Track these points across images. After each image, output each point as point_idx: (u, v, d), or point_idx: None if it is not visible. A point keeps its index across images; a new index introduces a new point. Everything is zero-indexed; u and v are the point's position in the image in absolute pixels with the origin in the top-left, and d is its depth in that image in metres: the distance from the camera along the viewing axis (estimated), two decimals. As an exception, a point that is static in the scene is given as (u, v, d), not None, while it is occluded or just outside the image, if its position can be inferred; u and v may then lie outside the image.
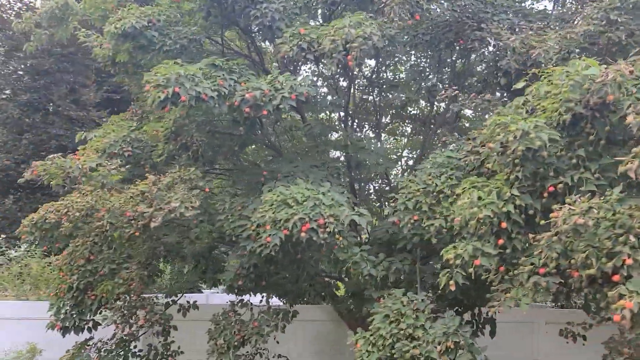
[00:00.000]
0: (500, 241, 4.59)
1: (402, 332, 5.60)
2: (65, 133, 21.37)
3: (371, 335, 5.73)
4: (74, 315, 7.92)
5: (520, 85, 5.25)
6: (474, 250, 4.57)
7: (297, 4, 7.33)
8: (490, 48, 6.49)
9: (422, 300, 5.82)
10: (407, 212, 6.09)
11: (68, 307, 7.94)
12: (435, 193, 5.98)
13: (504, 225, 4.51)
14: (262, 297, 10.67)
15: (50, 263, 13.87)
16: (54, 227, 9.15)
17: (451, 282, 4.76)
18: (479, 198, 4.70)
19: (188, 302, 8.55)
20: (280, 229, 5.85)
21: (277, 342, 7.86)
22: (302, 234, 5.71)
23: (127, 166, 6.79)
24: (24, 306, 10.84)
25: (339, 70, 6.21)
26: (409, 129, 10.06)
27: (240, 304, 7.54)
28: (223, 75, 6.49)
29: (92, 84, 22.21)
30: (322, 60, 6.50)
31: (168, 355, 8.34)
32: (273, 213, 5.92)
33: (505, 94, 6.59)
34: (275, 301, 9.81)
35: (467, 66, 7.51)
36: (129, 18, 7.29)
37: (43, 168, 6.16)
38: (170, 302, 8.39)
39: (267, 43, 8.56)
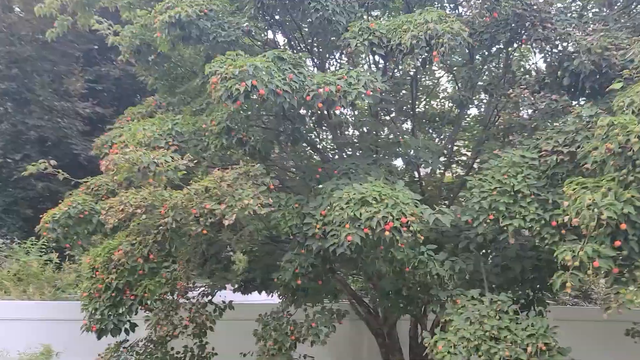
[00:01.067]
0: (618, 243, 4.58)
1: (486, 333, 5.56)
2: (46, 124, 20.54)
3: (453, 336, 5.65)
4: (112, 317, 7.57)
5: (617, 86, 5.26)
6: (592, 252, 4.55)
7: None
8: (559, 48, 6.46)
9: (504, 301, 5.78)
10: (482, 212, 6.03)
11: (104, 308, 7.57)
12: (512, 193, 5.94)
13: (623, 226, 4.50)
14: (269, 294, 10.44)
15: (50, 260, 13.32)
16: (79, 224, 8.80)
17: (567, 284, 4.72)
18: (593, 200, 4.66)
19: (224, 301, 8.31)
20: (360, 228, 5.71)
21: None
22: (386, 233, 5.59)
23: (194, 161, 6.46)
24: (35, 306, 10.36)
25: (417, 66, 6.06)
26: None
27: (292, 303, 7.35)
28: (290, 68, 6.28)
29: (79, 73, 21.39)
30: (395, 56, 6.35)
31: (203, 357, 8.09)
32: (352, 211, 5.76)
33: (567, 95, 6.57)
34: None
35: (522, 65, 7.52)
36: (182, 6, 6.98)
37: (114, 162, 5.80)
38: (207, 302, 8.13)
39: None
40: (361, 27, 6.52)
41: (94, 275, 7.84)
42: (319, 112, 6.27)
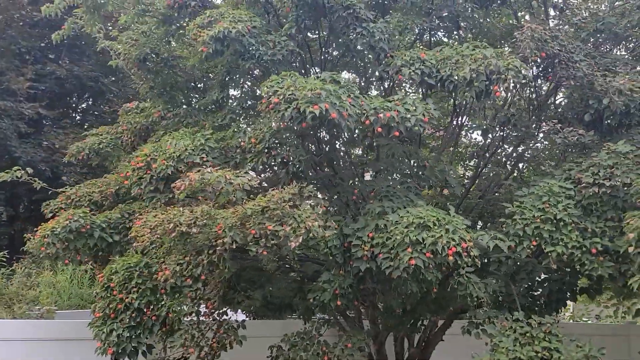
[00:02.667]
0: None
1: (538, 354, 5.88)
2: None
3: (505, 357, 5.93)
4: (131, 338, 7.21)
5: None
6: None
7: (398, 27, 7.39)
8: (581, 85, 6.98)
9: (552, 323, 6.14)
10: (525, 238, 6.39)
11: (123, 330, 7.20)
12: (555, 220, 6.35)
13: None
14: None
15: (29, 275, 12.43)
16: (79, 239, 8.34)
17: None
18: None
19: (237, 320, 8.15)
20: (422, 252, 5.87)
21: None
22: (450, 257, 5.79)
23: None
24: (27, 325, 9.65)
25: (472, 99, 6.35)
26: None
27: (325, 323, 7.36)
28: (344, 92, 6.37)
29: (25, 71, 20.09)
30: (445, 86, 6.60)
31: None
32: (414, 235, 5.92)
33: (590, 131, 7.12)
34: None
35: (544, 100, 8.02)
36: (227, 22, 6.88)
37: (189, 183, 5.56)
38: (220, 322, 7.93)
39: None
40: (412, 56, 6.73)
41: (109, 295, 7.44)
42: (370, 136, 6.38)
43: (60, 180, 21.28)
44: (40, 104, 21.64)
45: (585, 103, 7.23)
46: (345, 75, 9.01)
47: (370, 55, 7.68)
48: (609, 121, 7.05)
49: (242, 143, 7.21)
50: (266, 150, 6.99)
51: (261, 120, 7.31)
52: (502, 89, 6.07)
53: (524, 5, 8.67)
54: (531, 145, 8.32)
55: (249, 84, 9.06)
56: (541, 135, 7.80)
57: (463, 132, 9.52)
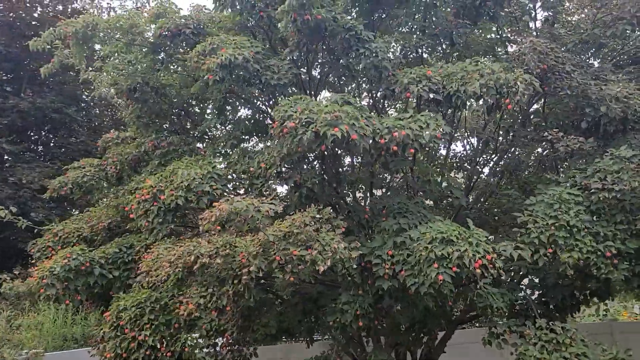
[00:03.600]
0: None
1: None
2: None
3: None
4: (145, 377, 6.96)
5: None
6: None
7: (397, 46, 7.51)
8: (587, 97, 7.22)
9: (577, 329, 6.25)
10: (541, 246, 6.51)
11: (136, 369, 6.96)
12: (568, 227, 6.50)
13: None
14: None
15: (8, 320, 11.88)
16: (81, 276, 8.04)
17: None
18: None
19: (248, 349, 7.99)
20: (448, 266, 5.91)
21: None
22: (477, 270, 5.84)
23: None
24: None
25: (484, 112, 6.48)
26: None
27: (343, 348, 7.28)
28: (360, 113, 6.40)
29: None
30: (452, 102, 6.72)
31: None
32: (440, 250, 5.95)
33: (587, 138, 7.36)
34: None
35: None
36: (230, 49, 6.83)
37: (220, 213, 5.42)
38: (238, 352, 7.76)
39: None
40: (418, 74, 6.84)
41: (120, 334, 7.17)
42: (383, 155, 6.42)
43: (30, 216, 20.54)
44: (5, 139, 20.93)
45: (581, 111, 7.47)
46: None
47: (366, 75, 7.74)
48: (606, 127, 7.28)
49: (250, 169, 7.12)
50: (277, 175, 6.93)
51: (269, 145, 7.27)
52: (514, 101, 6.21)
53: (507, 20, 8.95)
54: (532, 154, 8.52)
55: (246, 110, 9.00)
56: (542, 143, 7.96)
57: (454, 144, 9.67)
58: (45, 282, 7.80)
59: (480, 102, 6.54)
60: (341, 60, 7.50)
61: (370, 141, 6.21)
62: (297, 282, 7.16)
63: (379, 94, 8.17)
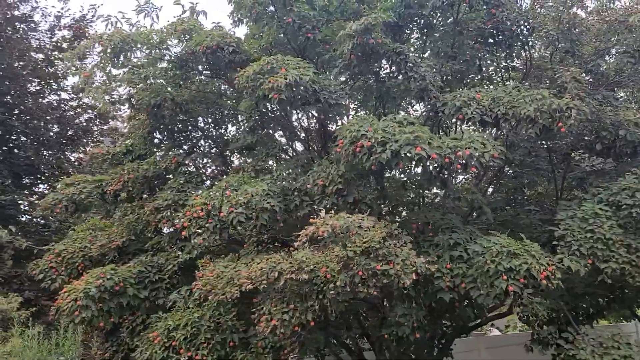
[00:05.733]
0: None
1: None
2: None
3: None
4: (204, 397, 6.85)
5: None
6: None
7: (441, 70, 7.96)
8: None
9: (623, 333, 6.85)
10: (582, 258, 7.09)
11: (194, 389, 6.84)
12: (604, 240, 7.13)
13: None
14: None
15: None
16: (114, 297, 7.80)
17: None
18: None
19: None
20: (516, 278, 6.33)
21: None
22: (543, 282, 6.30)
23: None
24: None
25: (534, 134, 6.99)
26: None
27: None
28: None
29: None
30: (499, 124, 7.21)
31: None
32: (507, 263, 6.36)
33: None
34: None
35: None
36: (290, 69, 6.99)
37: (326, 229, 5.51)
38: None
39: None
40: (468, 97, 7.29)
41: (173, 354, 7.01)
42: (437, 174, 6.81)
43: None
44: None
45: (596, 134, 8.19)
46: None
47: (409, 96, 8.14)
48: (622, 149, 8.03)
49: (307, 186, 7.26)
50: (336, 192, 7.11)
51: (324, 162, 7.44)
52: (568, 125, 6.78)
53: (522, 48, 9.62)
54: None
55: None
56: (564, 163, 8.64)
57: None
58: (80, 303, 7.50)
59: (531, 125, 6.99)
60: (386, 82, 7.83)
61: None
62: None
63: (421, 114, 8.55)
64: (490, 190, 10.39)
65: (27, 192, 21.49)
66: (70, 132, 23.18)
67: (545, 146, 8.87)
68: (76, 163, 22.28)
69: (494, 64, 9.36)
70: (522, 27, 8.72)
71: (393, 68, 7.53)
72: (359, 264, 6.08)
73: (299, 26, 7.87)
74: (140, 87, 9.32)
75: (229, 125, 9.87)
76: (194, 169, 9.31)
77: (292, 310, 6.14)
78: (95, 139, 23.68)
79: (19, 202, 21.32)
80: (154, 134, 10.01)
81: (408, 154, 6.09)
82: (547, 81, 8.96)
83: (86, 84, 8.42)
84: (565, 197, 8.55)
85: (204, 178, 9.31)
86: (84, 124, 23.86)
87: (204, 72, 9.05)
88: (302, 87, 7.02)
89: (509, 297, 6.41)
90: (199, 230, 7.10)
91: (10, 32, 22.07)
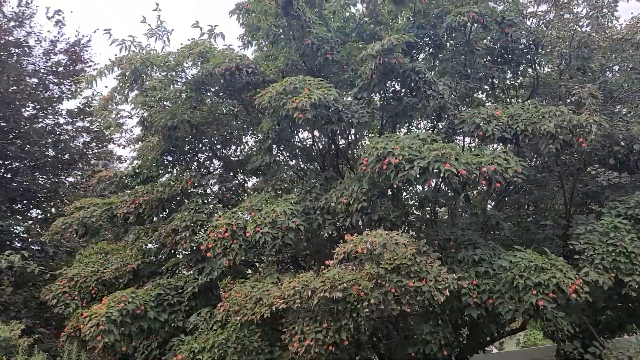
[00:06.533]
0: None
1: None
2: None
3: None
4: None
5: None
6: None
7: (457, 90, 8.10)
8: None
9: None
10: (605, 271, 7.15)
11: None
12: (627, 253, 7.21)
13: None
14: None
15: None
16: (136, 321, 7.72)
17: None
18: None
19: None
20: (545, 292, 6.37)
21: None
22: (572, 295, 6.35)
23: None
24: None
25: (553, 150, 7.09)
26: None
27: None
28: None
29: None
30: (519, 140, 7.33)
31: None
32: (536, 277, 6.41)
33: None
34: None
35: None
36: (313, 89, 7.07)
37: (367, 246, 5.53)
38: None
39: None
40: (487, 114, 7.40)
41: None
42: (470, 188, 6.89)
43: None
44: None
45: (609, 149, 8.33)
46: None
47: (426, 113, 8.25)
48: (637, 164, 8.17)
49: (331, 204, 7.29)
50: (360, 210, 7.13)
51: (345, 181, 7.48)
52: (588, 140, 6.90)
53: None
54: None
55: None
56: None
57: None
58: (102, 328, 7.40)
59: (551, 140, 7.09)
60: (404, 100, 7.94)
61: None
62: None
63: (439, 130, 8.64)
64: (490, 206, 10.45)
65: (20, 218, 21.23)
66: (66, 156, 23.05)
67: (557, 162, 9.00)
68: (81, 186, 22.12)
69: (504, 82, 9.52)
70: (532, 46, 8.96)
71: (411, 86, 7.62)
72: (391, 281, 6.10)
73: (317, 47, 7.98)
74: (154, 109, 9.35)
75: (234, 146, 9.96)
76: (209, 191, 9.33)
77: (325, 329, 6.11)
78: (90, 163, 23.59)
79: (16, 227, 21.06)
80: (166, 156, 10.01)
81: (436, 170, 6.14)
82: (556, 98, 9.12)
83: (102, 107, 8.42)
84: (576, 212, 8.64)
85: (221, 199, 9.29)
86: (80, 147, 23.77)
87: (220, 93, 9.09)
88: (325, 107, 7.09)
89: (538, 311, 6.45)
90: (223, 251, 7.08)
91: (4, 57, 22.07)
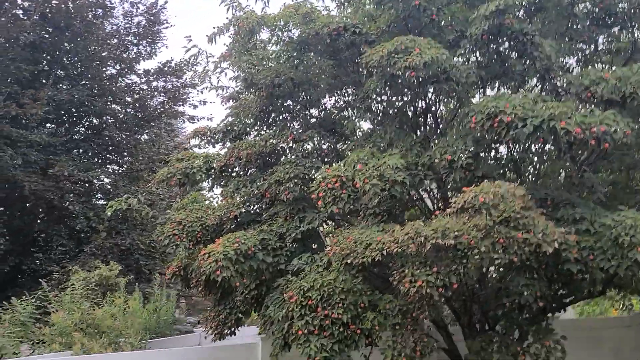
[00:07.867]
0: None
1: None
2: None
3: None
4: (339, 352, 7.40)
5: None
6: None
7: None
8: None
9: None
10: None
11: (331, 344, 7.39)
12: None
13: None
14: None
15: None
16: (247, 260, 8.39)
17: None
18: None
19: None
20: None
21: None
22: None
23: None
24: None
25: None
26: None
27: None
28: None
29: (42, 96, 19.17)
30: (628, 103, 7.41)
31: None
32: (640, 236, 6.63)
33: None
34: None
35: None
36: (424, 49, 7.36)
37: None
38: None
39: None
40: (596, 76, 7.47)
41: (309, 312, 7.56)
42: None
43: (69, 209, 20.39)
44: (54, 132, 20.74)
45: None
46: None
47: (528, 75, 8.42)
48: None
49: (435, 161, 7.65)
50: (463, 166, 7.47)
51: (449, 139, 7.81)
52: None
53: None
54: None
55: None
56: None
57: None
58: (221, 264, 8.13)
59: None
60: (509, 62, 8.13)
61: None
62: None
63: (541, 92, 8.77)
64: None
65: (99, 171, 22.56)
66: (144, 114, 24.23)
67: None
68: (156, 144, 23.23)
69: (604, 45, 9.49)
70: (631, 9, 8.88)
71: (518, 47, 7.79)
72: (499, 232, 6.46)
73: (424, 8, 8.21)
74: (256, 67, 9.83)
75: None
76: (309, 146, 9.85)
77: (435, 272, 6.57)
78: (165, 122, 24.69)
79: (103, 179, 22.42)
80: (265, 113, 10.55)
81: (550, 128, 6.38)
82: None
83: (221, 64, 8.97)
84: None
85: (319, 154, 9.80)
86: (157, 106, 24.86)
87: (322, 53, 9.48)
88: (436, 66, 7.39)
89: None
90: (333, 200, 7.60)
91: (91, 18, 23.13)
